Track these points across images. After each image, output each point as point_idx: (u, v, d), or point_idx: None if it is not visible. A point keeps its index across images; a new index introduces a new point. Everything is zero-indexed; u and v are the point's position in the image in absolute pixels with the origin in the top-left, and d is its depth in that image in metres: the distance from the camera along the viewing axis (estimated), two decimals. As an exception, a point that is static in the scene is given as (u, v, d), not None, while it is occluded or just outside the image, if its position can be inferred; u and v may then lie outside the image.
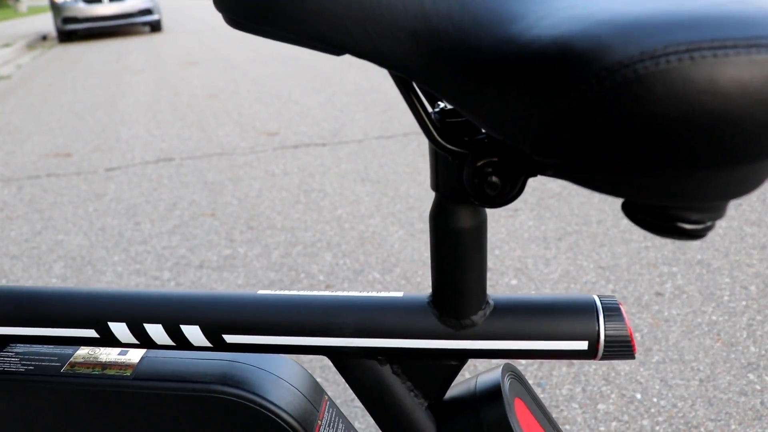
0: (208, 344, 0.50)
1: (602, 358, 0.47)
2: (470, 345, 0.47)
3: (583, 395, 1.58)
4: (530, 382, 1.63)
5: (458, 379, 1.65)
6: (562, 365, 1.68)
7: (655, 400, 1.55)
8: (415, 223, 2.62)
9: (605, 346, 0.46)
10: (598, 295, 0.48)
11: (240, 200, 2.99)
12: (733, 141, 0.30)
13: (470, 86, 0.34)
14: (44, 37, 13.29)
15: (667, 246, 2.30)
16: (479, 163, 0.39)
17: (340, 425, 0.56)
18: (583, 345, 0.46)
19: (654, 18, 0.30)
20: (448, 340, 0.47)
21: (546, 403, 1.55)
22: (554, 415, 1.51)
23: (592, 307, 0.47)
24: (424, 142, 3.73)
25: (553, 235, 2.45)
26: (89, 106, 5.55)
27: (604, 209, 2.66)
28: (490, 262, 2.25)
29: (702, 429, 1.45)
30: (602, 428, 1.47)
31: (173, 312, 0.50)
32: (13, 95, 6.50)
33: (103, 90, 6.34)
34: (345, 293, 0.50)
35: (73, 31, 11.96)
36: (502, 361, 1.71)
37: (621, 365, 1.67)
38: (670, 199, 0.33)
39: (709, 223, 0.37)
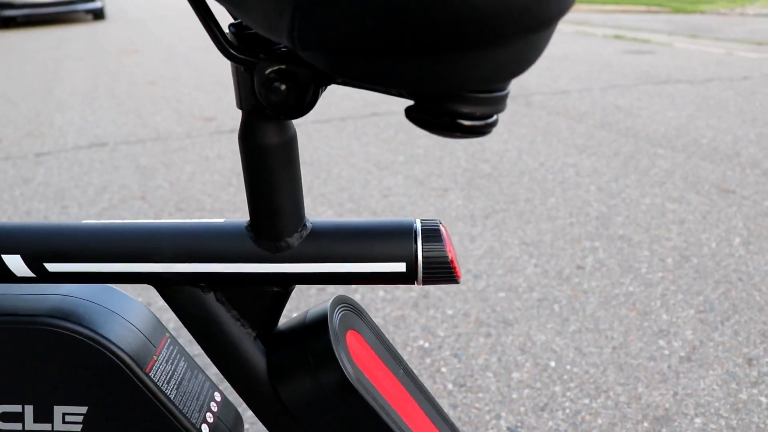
0: (31, 274, 0.49)
1: (424, 282, 0.47)
2: (287, 268, 0.46)
3: (498, 365, 1.59)
4: (447, 353, 1.64)
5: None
6: (479, 336, 1.70)
7: (568, 367, 1.58)
8: (345, 203, 2.62)
9: (424, 269, 0.46)
10: (420, 219, 0.48)
11: (171, 184, 2.94)
12: (463, 20, 0.29)
13: None
14: (-19, 25, 12.83)
15: (591, 222, 2.34)
16: (267, 71, 0.39)
17: (181, 363, 0.55)
18: (401, 267, 0.46)
19: None
20: (265, 263, 0.46)
21: (461, 373, 1.57)
22: (468, 384, 1.53)
23: (410, 230, 0.47)
24: (360, 126, 3.72)
25: (481, 213, 2.47)
26: (24, 92, 5.39)
27: (533, 188, 2.69)
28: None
29: (611, 393, 1.48)
30: (514, 395, 1.49)
31: None
32: (-56, 82, 6.28)
33: (40, 77, 6.16)
34: (166, 221, 0.49)
35: (10, 17, 11.55)
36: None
37: (538, 335, 1.70)
38: (421, 87, 0.33)
39: (491, 119, 0.37)
